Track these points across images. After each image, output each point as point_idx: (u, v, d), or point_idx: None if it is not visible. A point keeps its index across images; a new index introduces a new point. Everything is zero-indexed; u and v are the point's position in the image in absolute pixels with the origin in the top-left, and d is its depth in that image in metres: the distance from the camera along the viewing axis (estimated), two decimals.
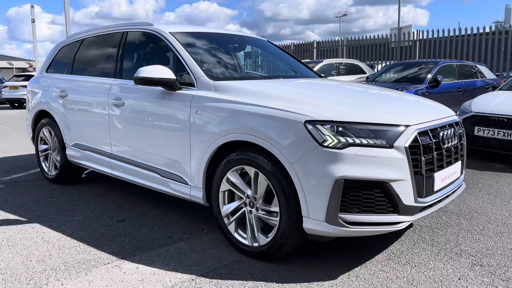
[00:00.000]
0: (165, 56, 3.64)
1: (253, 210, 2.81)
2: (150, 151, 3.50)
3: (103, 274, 2.65)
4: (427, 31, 14.29)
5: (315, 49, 17.64)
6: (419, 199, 2.58)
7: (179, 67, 3.36)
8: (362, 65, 12.47)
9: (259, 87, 3.07)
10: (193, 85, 3.20)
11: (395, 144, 2.48)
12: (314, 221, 2.48)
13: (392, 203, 2.49)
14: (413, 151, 2.54)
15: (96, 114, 4.04)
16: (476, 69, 9.69)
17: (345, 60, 12.50)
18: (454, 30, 13.58)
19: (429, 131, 2.67)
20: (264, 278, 2.60)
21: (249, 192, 2.81)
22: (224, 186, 2.93)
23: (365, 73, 11.75)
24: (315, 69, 11.10)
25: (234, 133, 2.81)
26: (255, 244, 2.80)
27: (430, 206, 2.72)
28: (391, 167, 2.45)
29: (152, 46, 3.79)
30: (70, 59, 4.69)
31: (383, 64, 14.72)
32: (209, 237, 3.22)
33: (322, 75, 4.36)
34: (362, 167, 2.42)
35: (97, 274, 2.65)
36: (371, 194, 2.46)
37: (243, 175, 2.86)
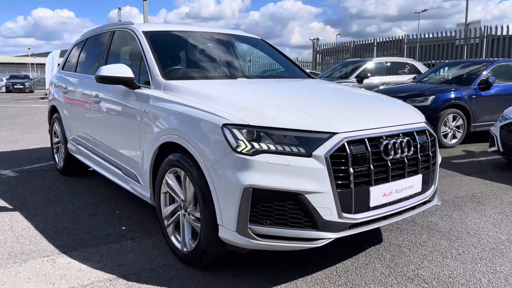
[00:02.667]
0: (139, 55, 3.66)
1: (186, 214, 2.73)
2: (116, 148, 3.56)
3: (33, 267, 2.73)
4: (495, 27, 12.96)
5: (375, 48, 16.84)
6: (346, 215, 2.32)
7: (143, 66, 3.36)
8: (418, 64, 11.65)
9: (204, 88, 2.97)
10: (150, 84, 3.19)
11: (314, 153, 2.25)
12: (228, 230, 2.34)
13: (309, 217, 2.27)
14: (338, 161, 2.28)
15: (84, 110, 4.20)
16: None
17: (396, 59, 11.75)
18: None
19: (366, 139, 2.39)
20: (180, 285, 2.51)
21: (182, 195, 2.73)
22: (164, 188, 2.88)
23: (420, 73, 10.97)
24: (361, 68, 10.62)
25: (167, 134, 2.75)
26: (185, 249, 2.71)
27: (367, 223, 2.43)
28: (307, 177, 2.23)
29: (129, 45, 3.84)
30: (76, 57, 4.92)
31: None
32: (159, 238, 3.19)
33: (312, 75, 4.11)
34: (273, 176, 2.22)
35: (29, 266, 2.74)
36: (283, 206, 2.26)
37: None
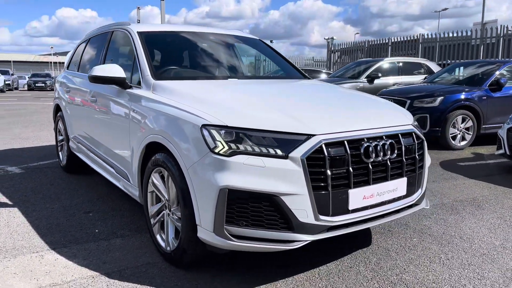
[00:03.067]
0: (133, 55, 3.71)
1: (170, 213, 2.75)
2: (109, 147, 3.62)
3: (22, 262, 2.80)
4: None
5: (389, 47, 16.63)
6: (323, 218, 2.30)
7: (135, 66, 3.40)
8: (431, 64, 11.45)
9: (191, 89, 2.98)
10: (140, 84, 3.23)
11: (291, 154, 2.24)
12: (205, 230, 2.35)
13: (285, 219, 2.26)
14: (316, 163, 2.27)
15: (83, 109, 4.28)
16: None
17: (409, 59, 11.57)
18: None
19: (346, 142, 2.36)
20: (161, 284, 2.53)
21: (166, 195, 2.75)
22: (150, 187, 2.91)
23: (434, 73, 10.79)
24: (372, 68, 10.51)
25: (152, 134, 2.77)
26: (168, 248, 2.74)
27: (346, 226, 2.41)
28: (283, 179, 2.23)
29: (125, 46, 3.89)
30: (79, 57, 5.00)
31: None
32: (148, 237, 3.22)
33: (307, 75, 4.08)
34: (249, 177, 2.23)
35: (18, 262, 2.80)
36: (259, 208, 2.26)
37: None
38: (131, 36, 3.61)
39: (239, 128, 2.31)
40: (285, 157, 2.24)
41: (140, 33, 3.60)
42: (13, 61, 66.63)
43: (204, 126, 2.36)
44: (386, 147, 2.51)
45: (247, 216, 2.27)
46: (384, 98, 7.99)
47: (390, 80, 10.40)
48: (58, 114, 5.26)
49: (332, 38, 20.21)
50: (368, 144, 2.43)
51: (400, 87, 8.60)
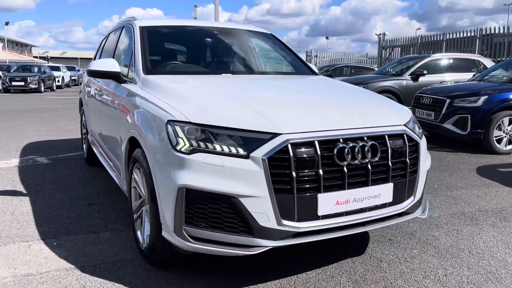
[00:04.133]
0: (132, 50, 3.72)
1: (146, 210, 2.71)
2: (109, 141, 3.66)
3: (9, 250, 2.87)
4: None
5: (444, 43, 15.65)
6: (286, 223, 2.14)
7: (132, 60, 3.40)
8: (486, 61, 10.61)
9: (175, 83, 2.92)
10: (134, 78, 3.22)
11: (253, 154, 2.10)
12: (168, 230, 2.28)
13: (244, 222, 2.13)
14: (279, 164, 2.11)
15: (94, 103, 4.37)
16: None
17: (460, 55, 10.80)
18: None
19: (317, 142, 2.18)
20: (129, 281, 2.49)
21: (144, 191, 2.71)
22: (133, 183, 2.89)
23: None
24: (417, 65, 9.95)
25: (132, 129, 2.75)
26: (144, 245, 2.70)
27: (315, 232, 2.23)
28: (243, 180, 2.10)
29: (130, 41, 3.90)
30: (100, 52, 5.13)
31: None
32: None
33: (318, 72, 3.88)
34: (207, 177, 2.12)
35: (5, 250, 2.88)
36: (218, 209, 2.14)
37: None
38: (133, 30, 3.61)
39: (202, 125, 2.21)
40: (246, 156, 2.11)
41: (142, 28, 3.59)
42: (80, 58, 70.76)
43: (169, 121, 2.28)
44: (366, 149, 2.29)
45: (206, 218, 2.17)
46: (423, 96, 7.57)
47: (438, 77, 9.77)
48: (82, 108, 5.44)
49: (384, 34, 19.41)
50: (343, 145, 2.22)
51: (442, 85, 8.05)
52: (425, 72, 9.60)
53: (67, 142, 7.05)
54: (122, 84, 3.25)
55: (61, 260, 2.75)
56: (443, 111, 6.91)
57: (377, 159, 2.32)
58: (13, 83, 21.85)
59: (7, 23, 55.32)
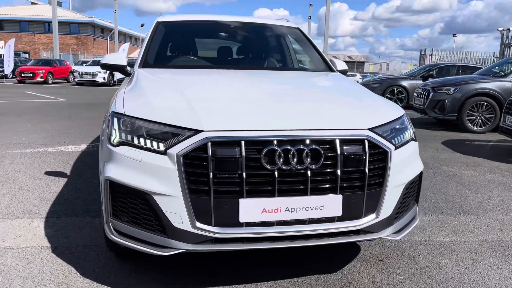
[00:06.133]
0: None
1: None
2: None
3: (13, 224, 3.17)
4: None
5: None
6: (202, 226, 2.00)
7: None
8: None
9: (150, 77, 2.94)
10: None
11: (170, 150, 2.00)
12: (103, 221, 2.30)
13: (159, 221, 2.04)
14: (196, 163, 1.97)
15: None
16: None
17: None
18: None
19: (243, 142, 1.98)
20: (81, 266, 2.57)
21: None
22: None
23: None
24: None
25: (105, 121, 2.82)
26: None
27: (237, 240, 2.04)
28: (158, 177, 2.01)
29: None
30: None
31: None
32: None
33: (336, 70, 3.55)
34: (127, 171, 2.08)
35: (8, 224, 3.19)
36: (136, 205, 2.09)
37: None
38: (151, 26, 3.72)
39: (133, 118, 2.17)
40: (164, 153, 2.01)
41: (157, 23, 3.68)
42: None
43: (112, 113, 2.29)
44: (304, 153, 2.01)
45: (127, 212, 2.14)
46: None
47: None
48: None
49: (508, 30, 17.08)
50: (272, 147, 1.99)
51: None
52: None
53: None
54: (127, 77, 3.37)
55: (44, 239, 2.95)
56: None
57: (319, 165, 2.03)
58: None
59: (142, 25, 62.09)
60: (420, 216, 3.60)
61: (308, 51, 3.80)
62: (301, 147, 2.01)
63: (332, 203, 2.08)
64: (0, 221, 3.24)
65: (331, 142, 2.07)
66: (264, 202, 2.01)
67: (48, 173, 4.67)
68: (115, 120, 2.22)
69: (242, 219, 2.00)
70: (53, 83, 25.63)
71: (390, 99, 13.27)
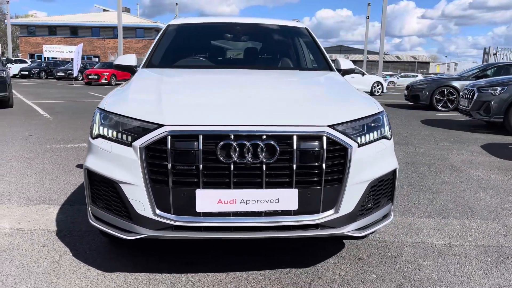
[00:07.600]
0: None
1: None
2: None
3: (31, 209, 3.52)
4: None
5: None
6: (162, 214, 2.15)
7: None
8: None
9: (145, 77, 3.13)
10: None
11: (135, 143, 2.18)
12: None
13: (125, 208, 2.23)
14: (157, 155, 2.13)
15: None
16: None
17: None
18: None
19: (201, 136, 2.10)
20: (71, 249, 2.81)
21: None
22: None
23: None
24: None
25: None
26: None
27: (196, 228, 2.17)
28: (123, 167, 2.20)
29: None
30: None
31: None
32: None
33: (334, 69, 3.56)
34: (101, 161, 2.30)
35: (30, 208, 3.55)
36: (108, 192, 2.30)
37: None
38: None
39: (108, 112, 2.38)
40: (129, 145, 2.19)
41: (168, 26, 3.90)
42: None
43: (98, 108, 2.52)
44: (259, 148, 2.10)
45: (102, 199, 2.34)
46: None
47: None
48: None
49: None
50: (228, 142, 2.09)
51: None
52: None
53: None
54: None
55: (53, 223, 3.26)
56: None
57: (274, 160, 2.11)
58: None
59: None
60: (421, 218, 3.51)
61: (313, 51, 3.84)
62: (257, 142, 2.10)
63: (288, 197, 2.15)
64: (22, 206, 3.61)
65: (289, 137, 2.13)
66: (219, 193, 2.12)
67: (79, 166, 5.07)
68: (97, 115, 2.44)
69: (199, 208, 2.13)
70: (116, 84, 27.21)
71: (440, 100, 12.71)
